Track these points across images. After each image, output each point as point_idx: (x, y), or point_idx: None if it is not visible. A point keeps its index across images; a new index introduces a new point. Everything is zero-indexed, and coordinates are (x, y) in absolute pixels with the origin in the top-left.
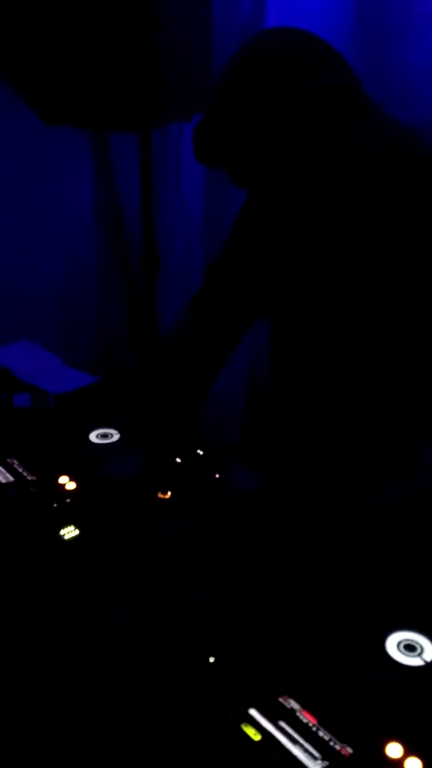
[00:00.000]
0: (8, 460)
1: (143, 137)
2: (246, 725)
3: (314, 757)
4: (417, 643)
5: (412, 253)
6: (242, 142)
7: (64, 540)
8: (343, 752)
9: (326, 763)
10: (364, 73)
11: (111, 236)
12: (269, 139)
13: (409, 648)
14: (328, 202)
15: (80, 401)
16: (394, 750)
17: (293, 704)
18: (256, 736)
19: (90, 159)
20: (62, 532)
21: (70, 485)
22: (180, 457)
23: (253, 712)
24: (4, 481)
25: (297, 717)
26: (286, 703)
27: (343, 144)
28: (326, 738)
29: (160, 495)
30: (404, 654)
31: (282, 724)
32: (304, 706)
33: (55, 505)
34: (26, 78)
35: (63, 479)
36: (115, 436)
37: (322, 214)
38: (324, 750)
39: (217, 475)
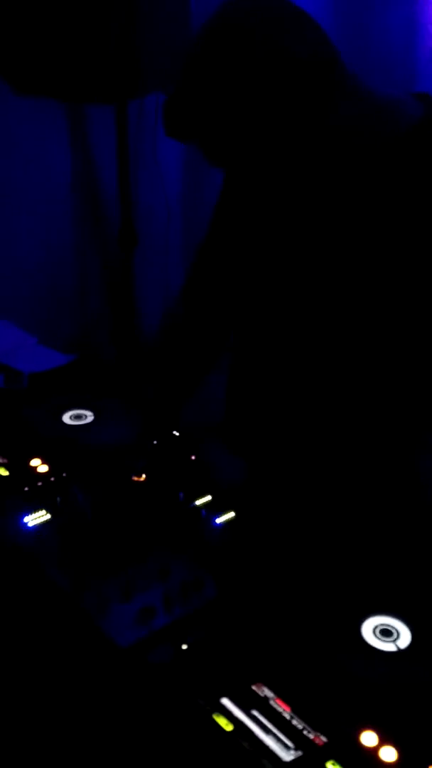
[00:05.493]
0: None
1: (119, 109)
2: (218, 715)
3: (287, 747)
4: (393, 628)
5: (394, 229)
6: (214, 114)
7: (34, 524)
8: (317, 741)
9: (299, 752)
10: (344, 42)
11: (88, 211)
12: (241, 112)
13: (386, 633)
14: (306, 179)
15: (55, 381)
16: (369, 738)
17: (267, 692)
18: (228, 727)
19: (66, 131)
20: (33, 516)
21: (42, 468)
22: (156, 440)
23: (225, 701)
24: None
25: (270, 705)
26: (259, 691)
27: (320, 118)
28: (300, 727)
29: (135, 478)
30: (380, 639)
31: (255, 713)
32: (278, 694)
33: (26, 489)
34: None
35: (35, 462)
36: (89, 417)
37: (300, 193)
38: (297, 739)
39: (193, 457)
